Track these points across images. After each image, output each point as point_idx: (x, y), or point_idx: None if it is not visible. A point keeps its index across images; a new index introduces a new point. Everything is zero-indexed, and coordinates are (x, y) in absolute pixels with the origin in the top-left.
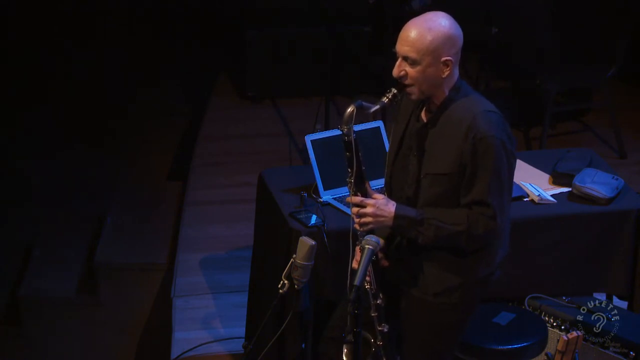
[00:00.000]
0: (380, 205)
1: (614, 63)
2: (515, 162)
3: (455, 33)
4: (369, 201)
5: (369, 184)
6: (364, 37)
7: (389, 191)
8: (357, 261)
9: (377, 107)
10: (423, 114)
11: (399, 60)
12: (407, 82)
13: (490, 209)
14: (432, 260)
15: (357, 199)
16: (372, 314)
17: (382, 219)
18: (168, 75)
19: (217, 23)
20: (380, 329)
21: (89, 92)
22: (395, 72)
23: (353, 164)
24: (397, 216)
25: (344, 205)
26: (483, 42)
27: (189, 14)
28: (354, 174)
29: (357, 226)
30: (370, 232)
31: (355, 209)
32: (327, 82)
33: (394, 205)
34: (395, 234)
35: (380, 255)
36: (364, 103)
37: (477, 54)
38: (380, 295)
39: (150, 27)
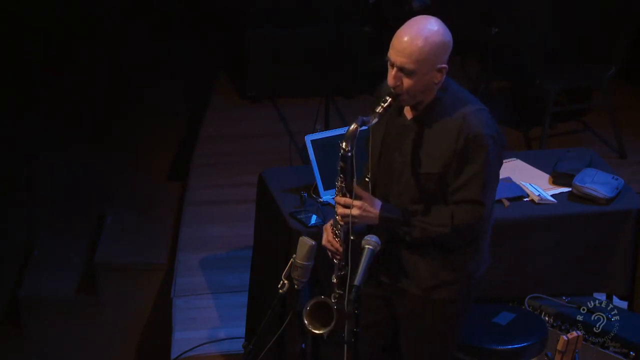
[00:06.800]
0: (366, 206)
1: (614, 63)
2: (504, 152)
3: (448, 39)
4: (356, 202)
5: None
6: (364, 37)
7: (374, 189)
8: (328, 240)
9: (376, 119)
10: (407, 112)
11: (395, 70)
12: (402, 91)
13: (482, 207)
14: (423, 255)
15: (344, 199)
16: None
17: (367, 219)
18: (168, 75)
19: (217, 23)
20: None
21: (89, 91)
22: (391, 82)
23: (346, 174)
24: (382, 217)
25: None
26: (483, 42)
27: (189, 14)
28: (345, 183)
29: (340, 221)
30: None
31: (341, 210)
32: (327, 82)
33: (379, 205)
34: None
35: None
36: (364, 118)
37: (477, 54)
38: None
39: (150, 27)
